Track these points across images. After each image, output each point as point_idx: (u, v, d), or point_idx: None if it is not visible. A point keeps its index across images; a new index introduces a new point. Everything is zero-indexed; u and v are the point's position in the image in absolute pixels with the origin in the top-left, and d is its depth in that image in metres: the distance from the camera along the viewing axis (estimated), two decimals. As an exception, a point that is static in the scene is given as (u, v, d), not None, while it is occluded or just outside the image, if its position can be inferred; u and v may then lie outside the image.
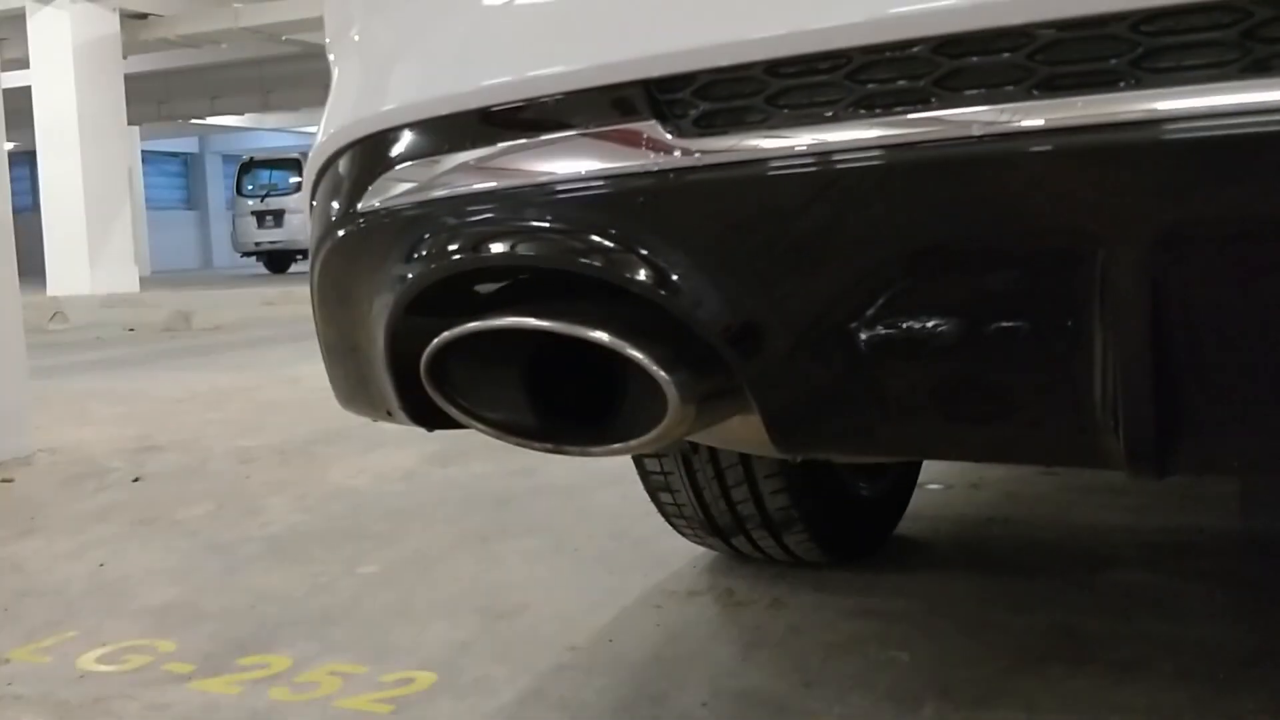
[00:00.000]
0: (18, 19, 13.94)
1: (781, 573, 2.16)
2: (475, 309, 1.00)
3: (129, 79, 14.80)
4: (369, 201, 1.07)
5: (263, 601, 2.16)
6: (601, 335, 0.94)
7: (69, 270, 13.54)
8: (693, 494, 2.04)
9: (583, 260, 0.94)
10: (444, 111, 1.00)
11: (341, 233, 1.10)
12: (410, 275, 1.02)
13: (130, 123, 16.35)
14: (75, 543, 2.64)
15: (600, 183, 0.92)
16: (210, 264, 28.85)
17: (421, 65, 1.05)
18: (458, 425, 1.09)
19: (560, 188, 0.93)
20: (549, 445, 1.03)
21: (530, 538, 2.50)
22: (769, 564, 2.19)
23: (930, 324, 0.83)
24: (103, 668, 1.88)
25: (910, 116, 0.79)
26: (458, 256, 0.99)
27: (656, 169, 0.88)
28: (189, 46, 16.33)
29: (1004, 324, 0.81)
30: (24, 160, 20.98)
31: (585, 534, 2.50)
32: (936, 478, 2.80)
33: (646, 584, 2.15)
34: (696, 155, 0.87)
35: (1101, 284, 0.76)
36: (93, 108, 13.70)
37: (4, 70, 17.50)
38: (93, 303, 11.33)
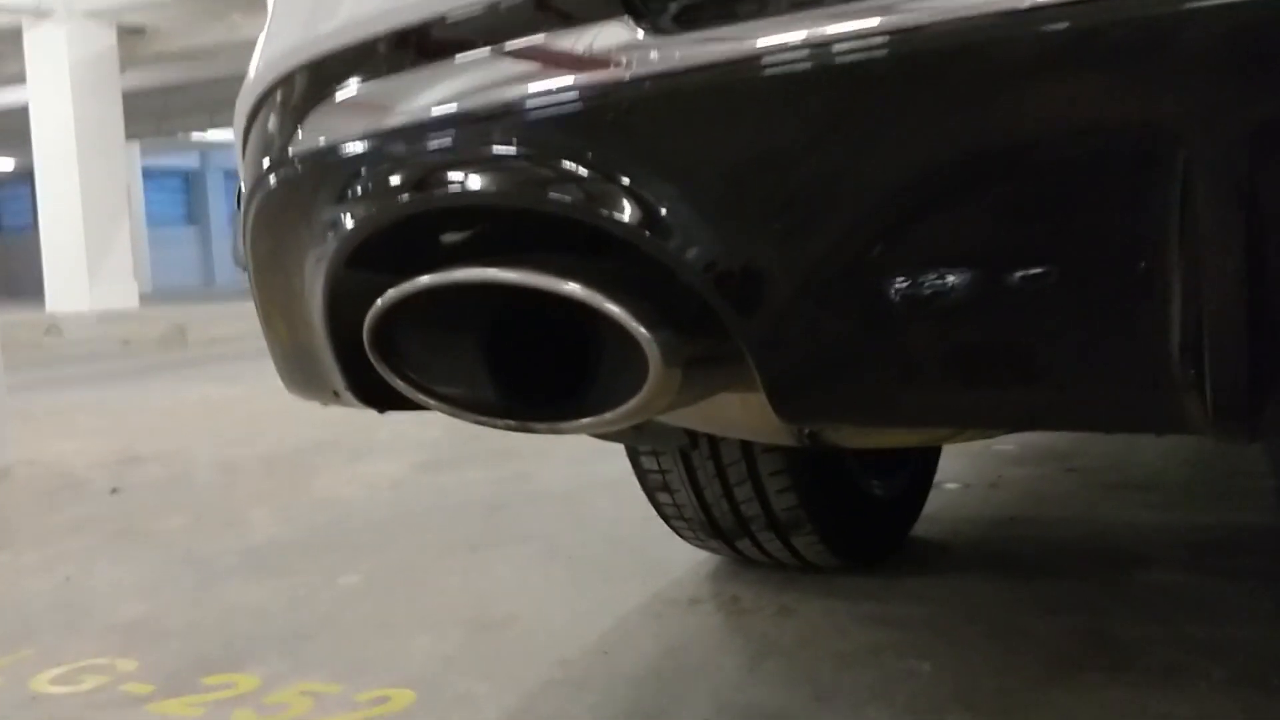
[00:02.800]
0: (14, 35, 13.86)
1: (790, 578, 2.02)
2: (427, 265, 0.86)
3: (128, 95, 14.71)
4: (302, 141, 0.93)
5: (235, 616, 2.02)
6: (574, 287, 0.79)
7: (68, 287, 13.43)
8: (693, 494, 1.90)
9: (550, 195, 0.79)
10: (383, 28, 0.85)
11: (274, 179, 0.96)
12: (350, 222, 0.88)
13: (129, 139, 16.26)
14: (43, 556, 2.50)
15: (564, 98, 0.77)
16: (212, 280, 28.75)
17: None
18: (412, 405, 0.94)
19: (518, 108, 0.79)
20: (512, 422, 0.88)
21: (522, 546, 2.36)
22: (776, 569, 2.05)
23: (969, 260, 0.68)
24: (56, 689, 1.74)
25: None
26: (403, 196, 0.85)
27: (630, 78, 0.73)
28: (187, 60, 16.24)
29: (1059, 256, 0.66)
30: (25, 180, 20.94)
31: (580, 541, 2.36)
32: (954, 476, 2.66)
33: (645, 592, 2.00)
34: (678, 57, 0.72)
35: (1182, 198, 0.61)
36: (90, 124, 13.61)
37: (1, 87, 17.47)
38: (90, 319, 11.23)
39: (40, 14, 13.43)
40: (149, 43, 15.20)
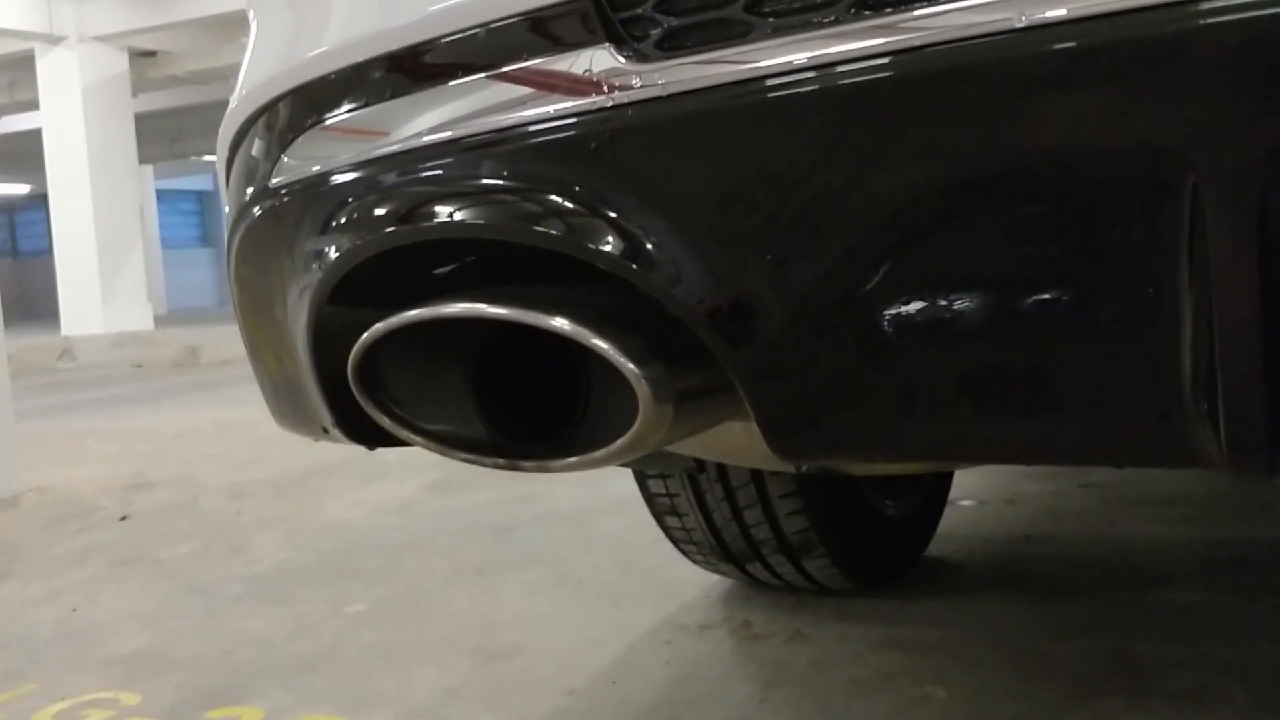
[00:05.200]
0: (27, 61, 13.92)
1: (802, 602, 1.98)
2: (413, 298, 0.83)
3: (140, 118, 14.74)
4: (285, 172, 0.90)
5: (240, 646, 2.00)
6: (561, 323, 0.76)
7: (82, 310, 13.44)
8: (702, 517, 1.86)
9: (534, 227, 0.76)
10: (365, 55, 0.83)
11: (258, 210, 0.93)
12: (333, 255, 0.85)
13: (142, 161, 16.28)
14: (49, 587, 2.48)
15: (546, 127, 0.74)
16: (228, 301, 28.76)
17: (342, 4, 0.88)
18: (402, 442, 0.91)
19: (500, 137, 0.76)
20: (501, 460, 0.85)
21: (530, 569, 2.33)
22: (788, 592, 2.01)
23: (969, 289, 0.65)
24: (58, 726, 1.72)
25: (934, 10, 0.61)
26: (386, 229, 0.82)
27: (612, 105, 0.71)
28: (198, 83, 16.28)
29: (1062, 285, 0.63)
30: (40, 204, 21.03)
31: (589, 564, 2.33)
32: (969, 493, 2.62)
33: (655, 618, 1.97)
34: (662, 84, 0.70)
35: (1191, 223, 0.58)
36: (103, 147, 13.64)
37: (15, 113, 17.53)
38: (104, 341, 11.25)
39: (52, 40, 13.48)
40: (160, 66, 15.23)
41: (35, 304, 22.74)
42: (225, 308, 25.71)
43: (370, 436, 0.96)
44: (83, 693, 1.84)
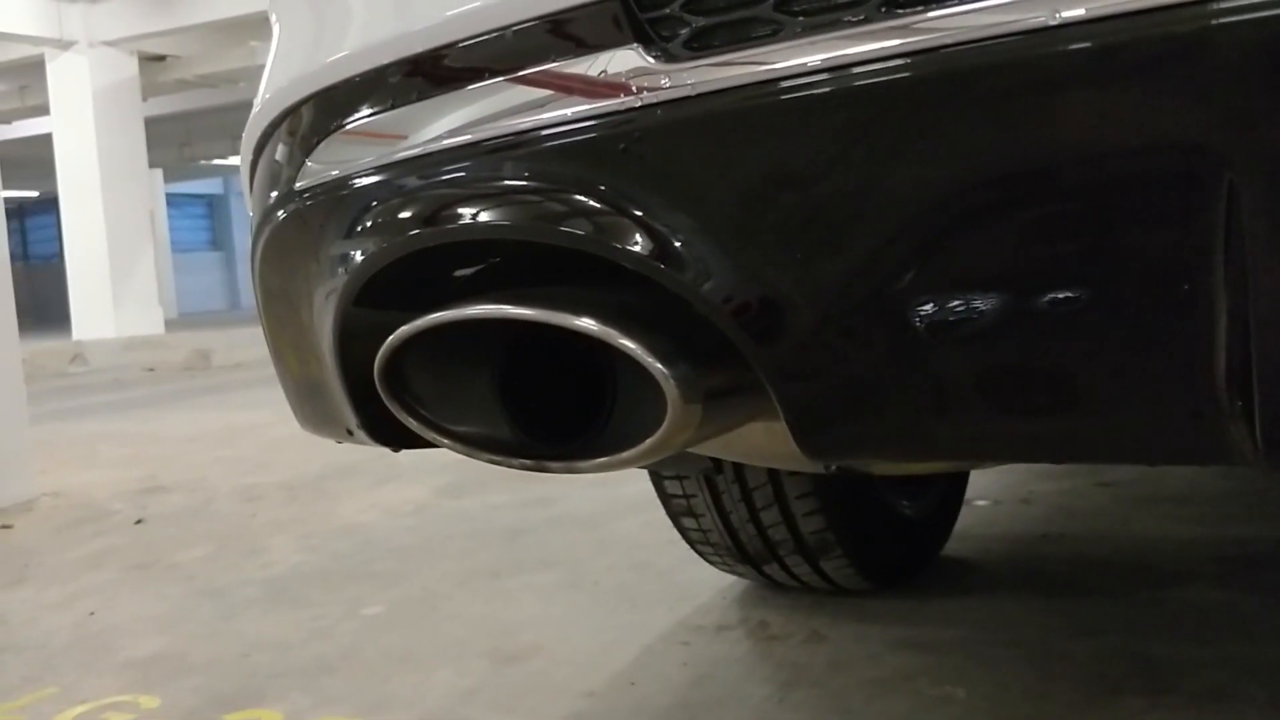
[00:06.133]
0: (37, 66, 13.97)
1: (819, 602, 1.98)
2: (438, 300, 0.83)
3: (150, 122, 14.78)
4: (309, 175, 0.90)
5: (256, 650, 2.00)
6: (588, 323, 0.76)
7: (93, 314, 13.49)
8: (719, 518, 1.86)
9: (561, 227, 0.76)
10: (390, 58, 0.83)
11: (282, 214, 0.93)
12: (359, 257, 0.85)
13: (152, 166, 16.34)
14: (65, 591, 2.49)
15: (574, 127, 0.74)
16: (238, 305, 28.85)
17: (365, 7, 0.88)
18: (427, 444, 0.91)
19: (527, 138, 0.76)
20: (527, 462, 0.85)
21: (545, 572, 2.33)
22: (805, 593, 2.01)
23: (1001, 288, 0.65)
24: (78, 729, 1.72)
25: (963, 9, 0.61)
26: (411, 231, 0.82)
27: (640, 105, 0.71)
28: (207, 87, 16.32)
29: (1097, 283, 0.63)
30: (51, 208, 21.10)
31: (604, 566, 2.33)
32: (984, 492, 2.61)
33: (671, 619, 1.97)
34: (690, 84, 0.70)
35: (1226, 220, 0.58)
36: (113, 151, 13.68)
37: (26, 118, 17.59)
38: (115, 345, 11.28)
39: (62, 45, 13.53)
40: (170, 70, 15.27)
41: (46, 308, 22.82)
42: (235, 312, 25.78)
43: (395, 438, 0.96)
44: (101, 696, 1.84)
